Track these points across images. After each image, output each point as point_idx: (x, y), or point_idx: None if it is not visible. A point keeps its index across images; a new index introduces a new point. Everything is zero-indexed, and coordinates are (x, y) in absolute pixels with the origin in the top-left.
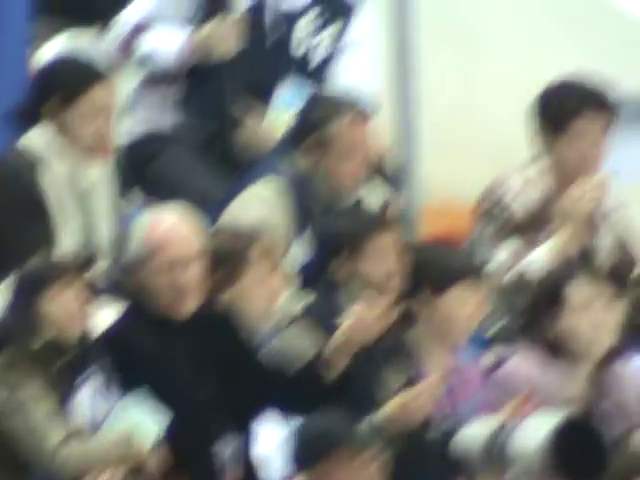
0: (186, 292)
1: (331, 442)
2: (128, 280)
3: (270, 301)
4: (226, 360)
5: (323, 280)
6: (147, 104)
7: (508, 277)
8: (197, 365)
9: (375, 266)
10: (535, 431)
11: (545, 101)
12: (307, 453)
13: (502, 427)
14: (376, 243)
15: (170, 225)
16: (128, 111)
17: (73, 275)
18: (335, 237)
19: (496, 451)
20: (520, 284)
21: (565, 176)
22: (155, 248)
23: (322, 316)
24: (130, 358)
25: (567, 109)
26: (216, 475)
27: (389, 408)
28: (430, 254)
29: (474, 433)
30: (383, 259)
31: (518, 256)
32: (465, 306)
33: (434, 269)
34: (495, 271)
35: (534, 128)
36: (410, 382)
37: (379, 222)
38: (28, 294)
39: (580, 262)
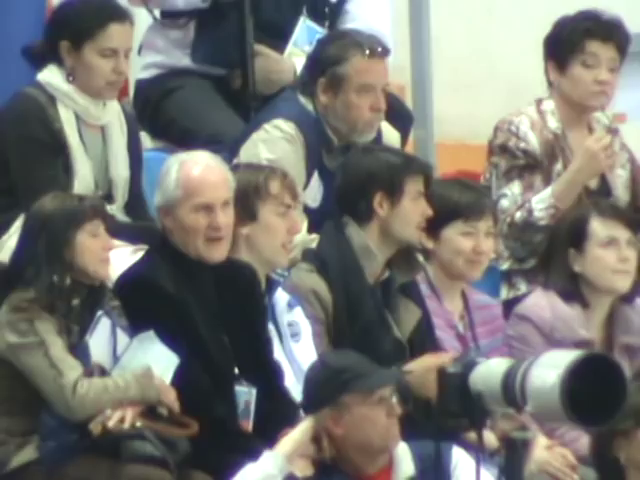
0: (222, 235)
1: (352, 376)
2: (160, 221)
3: (290, 236)
4: (244, 314)
5: (329, 224)
6: (164, 43)
7: (519, 215)
8: (220, 312)
9: (414, 207)
10: (553, 367)
11: (550, 40)
12: (329, 387)
13: (518, 363)
14: (412, 186)
15: (207, 167)
16: (145, 49)
17: (105, 211)
18: (369, 176)
19: (513, 387)
20: (529, 223)
21: (575, 107)
22: (193, 189)
23: (331, 258)
24: (155, 298)
25: (569, 47)
26: (230, 421)
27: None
28: (439, 189)
29: (493, 369)
30: (418, 201)
31: (531, 190)
32: (468, 239)
33: (439, 203)
34: (509, 204)
35: (545, 67)
36: (425, 316)
37: (414, 164)
38: (64, 230)
39: (600, 198)
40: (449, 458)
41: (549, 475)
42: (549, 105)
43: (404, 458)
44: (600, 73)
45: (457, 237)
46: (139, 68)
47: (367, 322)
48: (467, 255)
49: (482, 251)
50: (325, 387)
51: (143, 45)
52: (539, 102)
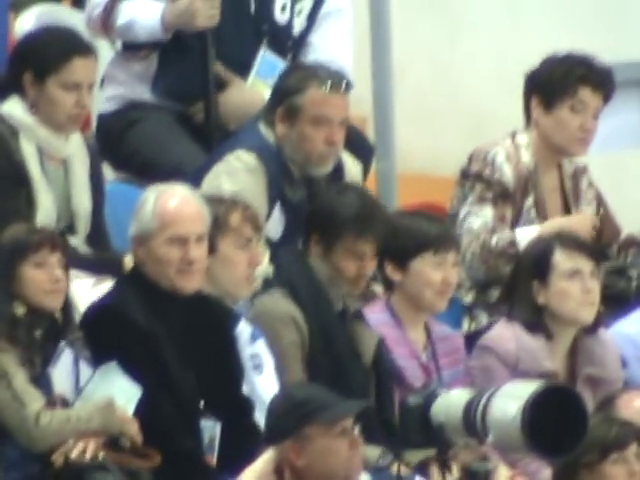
0: (195, 268)
1: (314, 407)
2: (134, 251)
3: (250, 268)
4: (214, 348)
5: (287, 252)
6: (125, 75)
7: (496, 240)
8: (188, 345)
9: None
10: (514, 397)
11: (538, 77)
12: (291, 418)
13: (480, 394)
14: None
15: (184, 200)
16: (107, 82)
17: (56, 242)
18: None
19: (474, 418)
20: (507, 252)
21: (553, 148)
22: (169, 221)
23: (300, 285)
24: (123, 328)
25: (560, 88)
26: (195, 455)
27: None
28: (404, 220)
29: (454, 400)
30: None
31: (503, 220)
32: (437, 271)
33: (407, 235)
34: (479, 226)
35: (524, 101)
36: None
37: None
38: (8, 261)
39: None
40: None
41: None
42: (523, 139)
43: None
44: (586, 120)
45: (427, 269)
46: (101, 101)
47: (339, 350)
48: (436, 287)
49: (451, 282)
50: (287, 418)
51: (105, 78)
52: (513, 135)
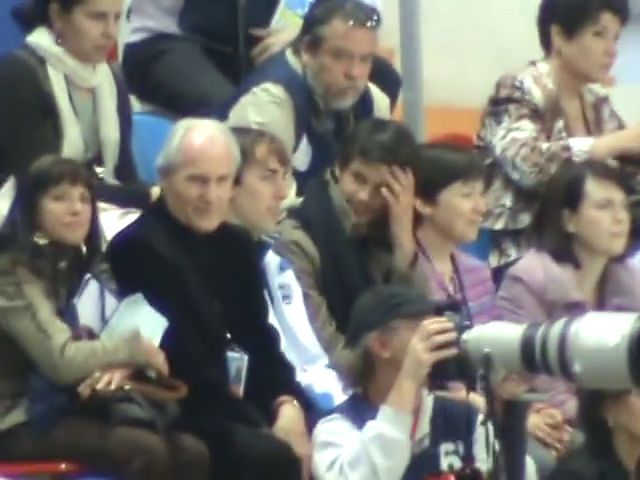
0: (212, 208)
1: (401, 301)
2: (160, 181)
3: (275, 200)
4: (239, 279)
5: (313, 181)
6: (153, 8)
7: (546, 147)
8: (213, 277)
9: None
10: (609, 327)
11: (557, 5)
12: (378, 311)
13: (535, 326)
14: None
15: (210, 139)
16: (134, 13)
17: (78, 174)
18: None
19: (542, 349)
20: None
21: (576, 75)
22: (192, 158)
23: (314, 213)
24: (148, 259)
25: (583, 15)
26: (220, 386)
27: None
28: (431, 153)
29: (502, 331)
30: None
31: (539, 138)
32: (467, 200)
33: (435, 167)
34: (527, 135)
35: (541, 30)
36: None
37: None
38: (30, 193)
39: (592, 161)
40: (476, 418)
41: (538, 440)
42: (543, 68)
43: (427, 411)
44: (610, 45)
45: (457, 199)
46: (127, 32)
47: (351, 278)
48: (467, 216)
49: (480, 211)
50: (375, 311)
51: (132, 9)
52: (534, 63)
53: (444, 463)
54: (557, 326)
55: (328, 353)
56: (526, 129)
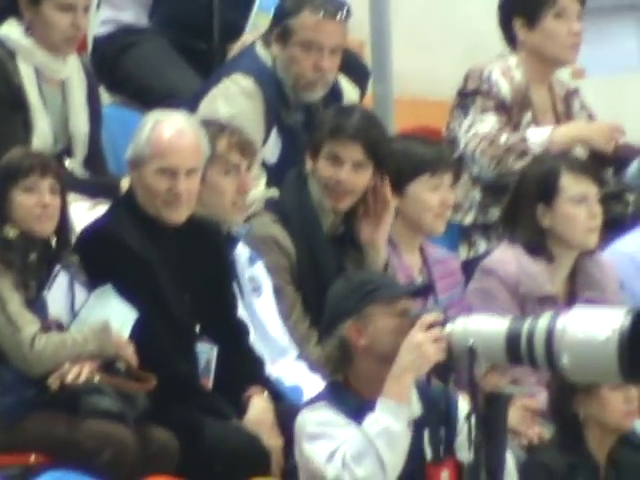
0: (181, 201)
1: (375, 287)
2: (129, 173)
3: (240, 194)
4: (208, 272)
5: (292, 172)
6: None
7: (504, 139)
8: (182, 270)
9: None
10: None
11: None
12: (353, 298)
13: (520, 320)
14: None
15: (179, 132)
16: (103, 4)
17: (48, 167)
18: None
19: (528, 343)
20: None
21: (545, 62)
22: (161, 151)
23: (292, 207)
24: (117, 251)
25: (540, 1)
26: (189, 378)
27: None
28: (399, 145)
29: (485, 325)
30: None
31: (502, 130)
32: (434, 193)
33: (403, 159)
34: (489, 129)
35: (504, 27)
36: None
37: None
38: (3, 184)
39: (566, 155)
40: (456, 406)
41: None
42: (512, 61)
43: (412, 397)
44: (572, 24)
45: (424, 192)
46: (96, 24)
47: (328, 274)
48: (434, 209)
49: (448, 204)
50: (349, 298)
51: (102, 0)
52: (502, 56)
53: (428, 452)
54: (544, 319)
55: (301, 349)
56: (489, 122)
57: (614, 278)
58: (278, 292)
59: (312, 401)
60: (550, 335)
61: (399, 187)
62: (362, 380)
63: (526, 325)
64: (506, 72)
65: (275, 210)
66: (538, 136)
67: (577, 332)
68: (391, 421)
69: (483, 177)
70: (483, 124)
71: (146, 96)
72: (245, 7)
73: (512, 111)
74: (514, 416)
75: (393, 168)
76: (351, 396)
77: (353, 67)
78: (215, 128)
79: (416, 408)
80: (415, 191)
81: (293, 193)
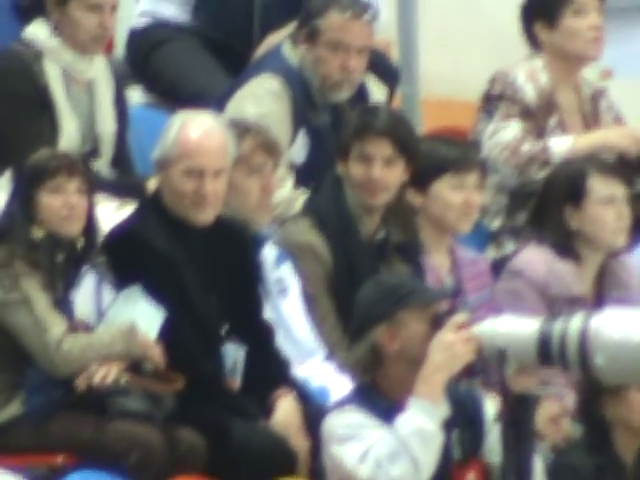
0: (208, 202)
1: (407, 291)
2: (156, 174)
3: (265, 195)
4: (235, 273)
5: (328, 176)
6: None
7: (526, 149)
8: (209, 271)
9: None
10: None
11: (535, 1)
12: (385, 302)
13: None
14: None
15: (207, 132)
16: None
17: (75, 168)
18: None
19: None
20: (537, 157)
21: (570, 61)
22: (188, 152)
23: (328, 213)
24: (144, 252)
25: (557, 1)
26: (216, 379)
27: None
28: (425, 145)
29: (514, 326)
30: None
31: (525, 139)
32: (458, 193)
33: (427, 158)
34: (512, 136)
35: (527, 31)
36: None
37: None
38: (27, 186)
39: (594, 156)
40: (483, 408)
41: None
42: (538, 62)
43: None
44: (592, 19)
45: (447, 191)
46: (134, 15)
47: (362, 279)
48: (458, 208)
49: (472, 204)
50: (381, 303)
51: None
52: (529, 58)
53: (456, 451)
54: (576, 320)
55: (334, 357)
56: (513, 129)
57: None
58: (312, 301)
59: (340, 404)
60: (584, 336)
61: (422, 185)
62: (392, 383)
63: (558, 326)
64: (532, 75)
65: (312, 215)
66: (561, 145)
67: (613, 333)
68: (425, 420)
69: (506, 185)
70: (506, 131)
71: (175, 95)
72: (288, 10)
73: (537, 116)
74: (540, 418)
75: (417, 167)
76: (380, 399)
77: (382, 68)
78: (240, 128)
79: (447, 408)
80: (438, 190)
81: (329, 198)
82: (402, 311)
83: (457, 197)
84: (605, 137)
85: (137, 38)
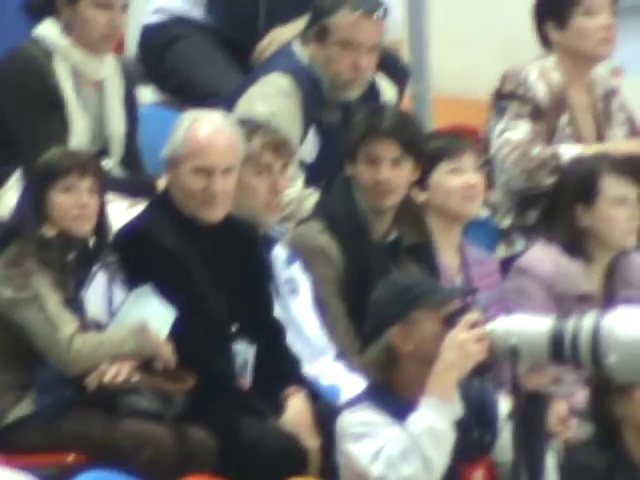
0: (217, 200)
1: (421, 292)
2: (165, 173)
3: (273, 194)
4: (245, 272)
5: (338, 178)
6: None
7: (536, 152)
8: (218, 269)
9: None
10: None
11: (545, 2)
12: (399, 303)
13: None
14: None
15: (216, 130)
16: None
17: (86, 167)
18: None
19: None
20: (546, 163)
21: (581, 60)
22: (197, 150)
23: (339, 214)
24: (153, 251)
25: (567, 2)
26: (226, 378)
27: None
28: (432, 142)
29: (526, 324)
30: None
31: (536, 138)
32: (455, 176)
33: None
34: (521, 136)
35: (539, 31)
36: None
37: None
38: (39, 185)
39: (606, 156)
40: (495, 406)
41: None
42: (551, 62)
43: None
44: (603, 18)
45: (445, 177)
46: (148, 11)
47: (374, 281)
48: (459, 192)
49: (473, 184)
50: (395, 304)
51: None
52: (541, 57)
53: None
54: (589, 318)
55: (345, 358)
56: (523, 129)
57: None
58: (323, 304)
59: (353, 403)
60: (596, 334)
61: (422, 181)
62: (405, 383)
63: (570, 324)
64: (544, 74)
65: (323, 218)
66: (571, 153)
67: (625, 331)
68: (436, 419)
69: (513, 186)
70: (516, 131)
71: (187, 92)
72: (294, 5)
73: (548, 115)
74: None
75: (425, 166)
76: (394, 398)
77: (392, 66)
78: (249, 127)
79: (458, 407)
80: (437, 179)
81: (340, 200)
82: (416, 311)
83: (455, 180)
84: (615, 149)
85: (151, 34)
